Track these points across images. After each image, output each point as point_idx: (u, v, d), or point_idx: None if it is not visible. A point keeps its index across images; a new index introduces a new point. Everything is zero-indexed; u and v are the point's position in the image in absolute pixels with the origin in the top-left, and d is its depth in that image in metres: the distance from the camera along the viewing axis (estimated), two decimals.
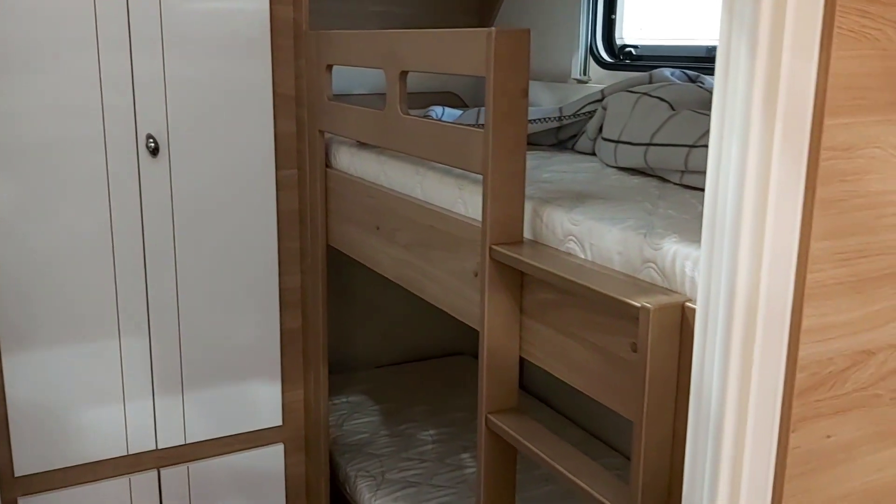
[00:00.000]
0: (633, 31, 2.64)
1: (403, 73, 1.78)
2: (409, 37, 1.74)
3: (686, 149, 1.65)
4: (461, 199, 1.70)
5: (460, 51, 1.54)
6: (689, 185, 1.66)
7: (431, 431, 2.75)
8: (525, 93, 1.46)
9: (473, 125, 1.87)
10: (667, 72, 2.06)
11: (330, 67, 2.17)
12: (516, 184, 1.49)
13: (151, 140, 2.18)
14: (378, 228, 2.00)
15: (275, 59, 2.29)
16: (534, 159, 2.02)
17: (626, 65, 2.59)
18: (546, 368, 1.48)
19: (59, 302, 2.15)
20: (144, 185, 2.20)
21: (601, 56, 2.65)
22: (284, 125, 2.35)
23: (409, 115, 1.78)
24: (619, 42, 2.64)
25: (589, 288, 1.27)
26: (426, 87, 2.89)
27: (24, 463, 2.18)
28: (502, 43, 1.42)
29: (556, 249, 1.47)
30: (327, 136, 2.28)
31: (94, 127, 2.11)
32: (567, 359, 1.41)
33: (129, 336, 2.25)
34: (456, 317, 1.70)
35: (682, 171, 1.67)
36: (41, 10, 2.01)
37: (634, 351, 1.22)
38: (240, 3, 2.22)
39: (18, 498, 2.19)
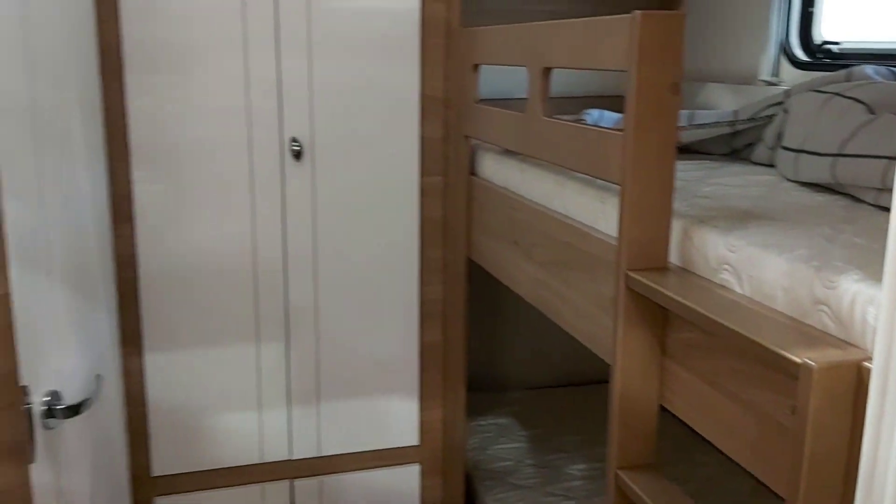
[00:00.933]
0: (835, 25, 2.27)
1: (545, 71, 1.58)
2: (549, 29, 1.54)
3: (885, 161, 1.33)
4: (603, 214, 1.47)
5: (603, 41, 1.32)
6: (887, 206, 1.34)
7: (582, 466, 2.52)
8: (676, 88, 1.22)
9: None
10: (869, 69, 1.71)
11: (477, 67, 2.01)
12: (662, 197, 1.26)
13: (296, 143, 2.13)
14: (516, 243, 1.82)
15: (424, 60, 2.17)
16: (697, 170, 1.75)
17: (825, 64, 2.23)
18: (688, 422, 1.23)
19: (201, 305, 2.15)
20: (287, 189, 2.15)
21: (795, 55, 2.30)
22: (431, 129, 2.22)
23: (550, 117, 1.59)
24: (817, 39, 2.29)
25: (740, 334, 1.01)
26: (593, 90, 2.66)
27: (161, 464, 2.20)
28: (649, 29, 1.19)
29: (707, 280, 1.22)
30: (474, 141, 2.12)
31: (239, 129, 2.09)
32: (713, 414, 1.15)
33: (267, 343, 2.21)
34: (591, 349, 1.48)
35: (879, 190, 1.35)
36: (192, 13, 2.00)
37: (793, 414, 0.95)
38: (390, 2, 2.12)
39: (154, 498, 2.21)
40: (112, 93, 1.99)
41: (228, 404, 2.22)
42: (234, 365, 2.20)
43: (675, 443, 2.46)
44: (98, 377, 1.64)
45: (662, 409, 1.32)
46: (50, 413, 1.43)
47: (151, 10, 1.98)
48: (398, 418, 2.37)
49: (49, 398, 1.43)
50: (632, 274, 1.25)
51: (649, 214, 1.26)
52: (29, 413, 1.36)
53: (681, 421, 1.23)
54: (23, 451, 1.34)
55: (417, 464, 2.42)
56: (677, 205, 1.30)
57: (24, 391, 1.34)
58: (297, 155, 2.14)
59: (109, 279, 2.00)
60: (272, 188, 2.14)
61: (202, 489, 2.24)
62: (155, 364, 2.14)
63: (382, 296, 2.27)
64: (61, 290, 1.59)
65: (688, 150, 1.97)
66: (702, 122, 1.84)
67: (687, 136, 1.87)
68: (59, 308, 1.57)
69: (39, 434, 1.40)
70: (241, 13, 2.03)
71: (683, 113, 1.92)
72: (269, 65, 2.07)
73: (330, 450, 2.33)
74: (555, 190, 1.66)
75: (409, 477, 2.42)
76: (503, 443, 2.67)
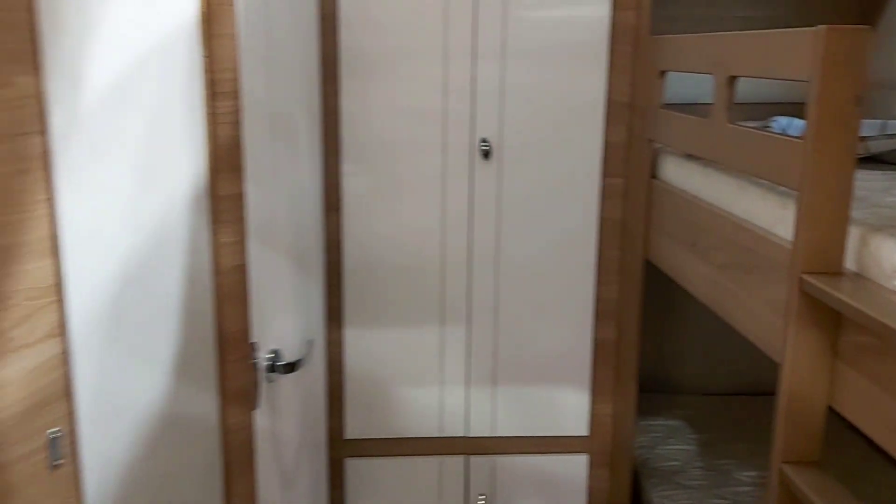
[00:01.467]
0: None
1: (731, 79, 1.64)
2: (736, 39, 1.60)
3: None
4: (783, 220, 1.51)
5: (787, 52, 1.37)
6: None
7: (751, 473, 2.51)
8: (858, 100, 1.25)
9: None
10: None
11: (663, 74, 2.08)
12: (839, 205, 1.29)
13: (485, 143, 2.29)
14: (694, 245, 1.88)
15: (611, 66, 2.27)
16: (884, 180, 1.73)
17: None
18: (859, 427, 1.26)
19: (394, 288, 2.36)
20: (475, 186, 2.32)
21: None
22: (615, 133, 2.31)
23: (734, 123, 1.64)
24: None
25: None
26: (777, 97, 2.63)
27: (353, 428, 2.44)
28: (834, 43, 1.24)
29: (882, 286, 1.24)
30: (656, 145, 2.19)
31: (435, 129, 2.28)
32: (886, 421, 1.18)
33: (450, 326, 2.40)
34: (760, 347, 1.53)
35: None
36: (399, 25, 2.22)
37: None
38: (582, 10, 2.23)
39: (345, 458, 2.46)
40: (329, 96, 2.24)
41: (414, 380, 2.42)
42: (420, 344, 2.40)
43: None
44: (310, 342, 1.89)
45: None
46: (272, 368, 1.67)
47: (364, 22, 2.21)
48: (569, 408, 2.48)
49: (272, 355, 1.67)
50: (806, 277, 1.30)
51: (826, 220, 1.29)
52: (256, 366, 1.60)
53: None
54: (250, 397, 1.58)
55: (586, 454, 2.51)
56: (857, 212, 1.33)
57: (253, 347, 1.58)
58: (486, 154, 2.30)
59: (320, 260, 2.26)
60: (461, 185, 2.32)
61: (386, 455, 2.47)
62: (352, 338, 2.39)
63: (559, 291, 2.39)
64: (285, 265, 1.84)
65: (879, 161, 1.93)
66: (892, 133, 1.81)
67: (876, 147, 1.85)
68: (283, 280, 1.82)
69: (263, 385, 1.64)
70: (442, 24, 2.22)
71: (875, 123, 1.89)
72: (465, 70, 2.25)
73: (503, 431, 2.48)
74: (736, 194, 1.70)
75: (576, 466, 2.52)
76: (672, 444, 2.70)
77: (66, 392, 1.12)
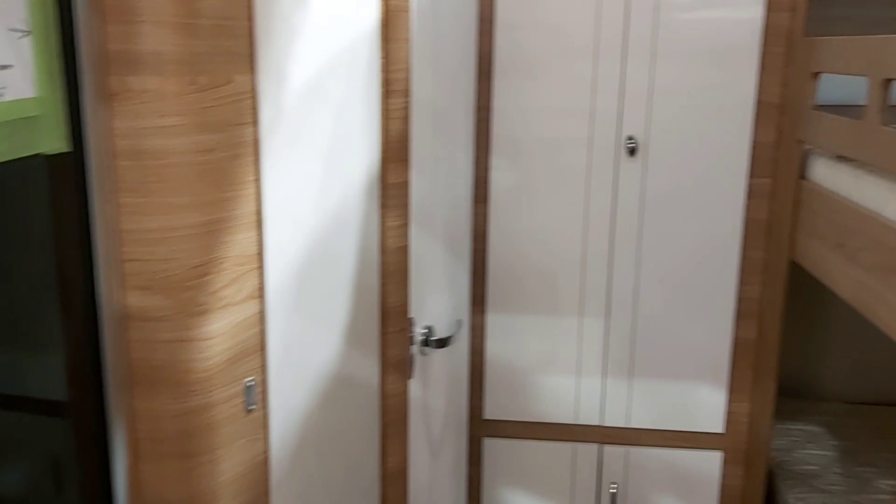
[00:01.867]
0: None
1: (886, 81, 1.64)
2: (892, 41, 1.60)
3: None
4: None
5: None
6: None
7: (893, 482, 2.45)
8: None
9: None
10: None
11: (816, 75, 2.08)
12: None
13: (631, 141, 2.36)
14: (841, 246, 1.88)
15: (762, 67, 2.28)
16: None
17: None
18: None
19: (535, 277, 2.47)
20: (620, 182, 2.39)
21: None
22: (763, 133, 2.32)
23: (888, 126, 1.64)
24: None
25: None
26: None
27: (492, 409, 2.57)
28: None
29: None
30: (806, 146, 2.19)
31: (582, 126, 2.37)
32: None
33: (590, 317, 2.48)
34: None
35: None
36: (552, 25, 2.32)
37: None
38: (734, 12, 2.26)
39: (483, 437, 2.59)
40: (482, 93, 2.37)
41: (551, 367, 2.52)
42: (558, 333, 2.50)
43: None
44: (459, 322, 2.03)
45: None
46: (425, 342, 1.82)
47: (519, 22, 2.33)
48: (705, 405, 2.51)
49: (426, 331, 1.82)
50: None
51: None
52: (412, 339, 1.76)
53: None
54: (406, 367, 1.74)
55: (720, 451, 2.53)
56: None
57: (410, 322, 1.74)
58: (632, 151, 2.37)
59: (467, 248, 2.40)
60: (605, 180, 2.39)
61: (523, 438, 2.58)
62: (494, 323, 2.52)
63: (700, 289, 2.42)
64: (440, 248, 1.99)
65: None
66: None
67: None
68: (438, 262, 1.97)
69: (417, 357, 1.80)
70: (594, 24, 2.30)
71: None
72: (615, 69, 2.32)
73: (638, 423, 2.54)
74: (887, 196, 1.70)
75: (710, 462, 2.55)
76: (810, 449, 2.67)
77: (261, 347, 1.31)
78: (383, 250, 1.62)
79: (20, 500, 1.31)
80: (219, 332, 1.22)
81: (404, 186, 1.63)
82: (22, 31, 0.90)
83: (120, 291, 1.14)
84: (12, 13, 0.87)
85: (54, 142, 0.98)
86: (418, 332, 1.78)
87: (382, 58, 1.52)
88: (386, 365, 1.67)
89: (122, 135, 1.09)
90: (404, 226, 1.66)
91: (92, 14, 1.03)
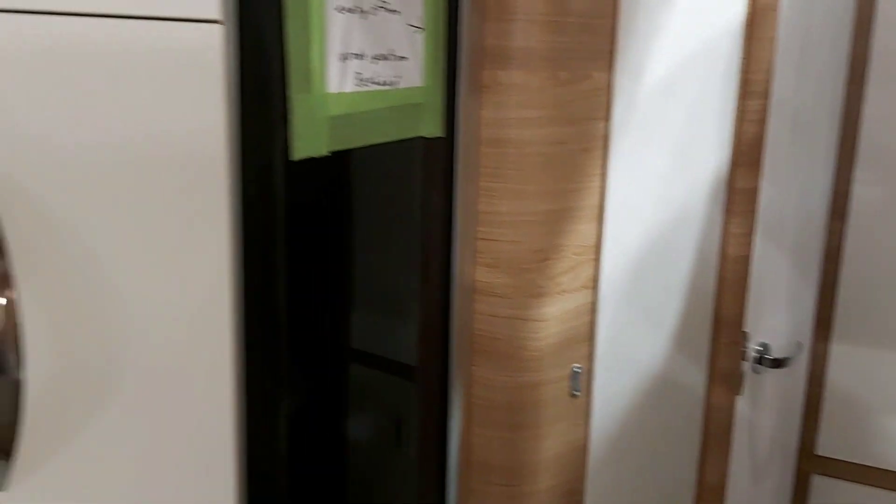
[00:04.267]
0: None
1: None
2: None
3: None
4: None
5: None
6: None
7: None
8: None
9: None
10: None
11: None
12: None
13: None
14: None
15: None
16: None
17: None
18: None
19: None
20: None
21: None
22: None
23: None
24: None
25: None
26: None
27: (826, 445, 2.35)
28: None
29: None
30: None
31: None
32: None
33: None
34: None
35: None
36: None
37: None
38: None
39: (812, 474, 2.38)
40: (852, 99, 2.17)
41: None
42: None
43: None
44: (799, 345, 1.89)
45: None
46: (759, 360, 1.73)
47: None
48: None
49: (761, 348, 1.73)
50: None
51: None
52: (744, 354, 1.68)
53: None
54: (736, 382, 1.67)
55: None
56: None
57: (744, 335, 1.66)
58: None
59: (815, 266, 2.22)
60: None
61: (858, 482, 2.33)
62: (840, 352, 2.30)
63: None
64: (785, 263, 1.87)
65: None
66: None
67: None
68: (781, 277, 1.85)
69: (748, 374, 1.71)
70: None
71: None
72: None
73: None
74: None
75: None
76: None
77: (589, 336, 1.34)
78: (723, 257, 1.57)
79: (368, 445, 1.49)
80: (553, 315, 1.28)
81: (753, 193, 1.57)
82: (417, 27, 1.02)
83: (471, 267, 1.25)
84: (412, 12, 1.00)
85: (432, 127, 1.10)
86: (752, 347, 1.69)
87: (743, 57, 1.47)
88: (714, 376, 1.62)
89: (488, 124, 1.19)
90: (748, 234, 1.59)
91: (474, 12, 1.14)
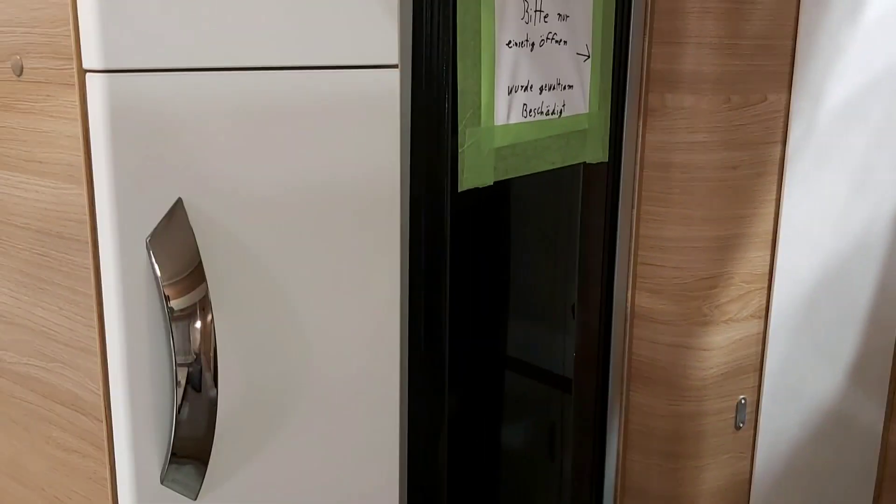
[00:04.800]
0: None
1: None
2: None
3: None
4: None
5: None
6: None
7: None
8: None
9: None
10: None
11: None
12: None
13: None
14: None
15: None
16: None
17: None
18: None
19: None
20: None
21: None
22: None
23: None
24: None
25: None
26: None
27: None
28: None
29: None
30: None
31: None
32: None
33: None
34: None
35: None
36: None
37: None
38: None
39: None
40: None
41: None
42: None
43: None
44: None
45: None
46: None
47: None
48: None
49: None
50: None
51: None
52: None
53: None
54: None
55: None
56: None
57: None
58: None
59: None
60: None
61: None
62: None
63: None
64: None
65: None
66: None
67: None
68: None
69: None
70: None
71: None
72: None
73: None
74: None
75: None
76: None
77: (757, 367, 1.29)
78: None
79: (522, 452, 1.51)
80: (718, 344, 1.24)
81: None
82: (585, 55, 1.02)
83: (632, 291, 1.24)
84: (580, 40, 1.01)
85: (597, 153, 1.10)
86: None
87: None
88: (894, 413, 1.51)
89: (654, 148, 1.18)
90: None
91: (643, 37, 1.13)
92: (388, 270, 0.83)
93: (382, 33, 0.75)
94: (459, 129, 0.86)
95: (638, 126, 1.17)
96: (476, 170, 0.89)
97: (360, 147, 0.77)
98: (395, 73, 0.77)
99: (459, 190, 0.89)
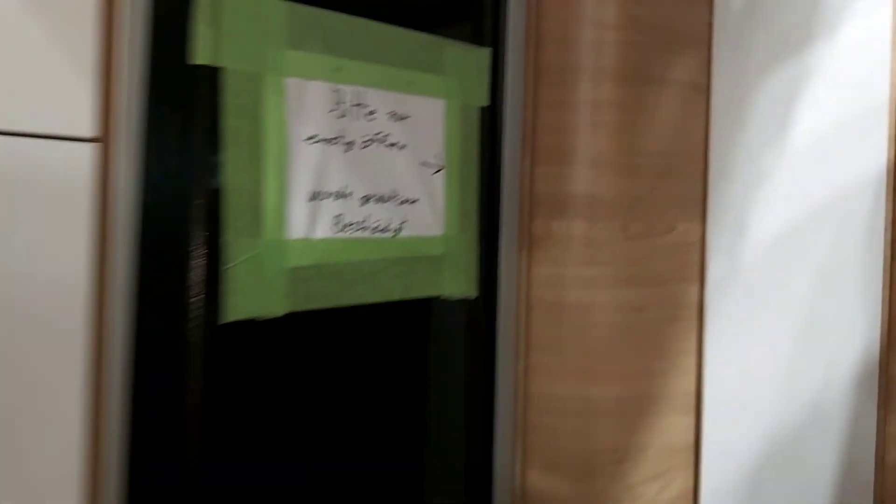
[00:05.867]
0: None
1: None
2: None
3: None
4: None
5: None
6: None
7: None
8: None
9: None
10: None
11: None
12: None
13: None
14: None
15: None
16: None
17: None
18: None
19: None
20: None
21: None
22: None
23: None
24: None
25: None
26: None
27: None
28: None
29: None
30: None
31: None
32: None
33: None
34: None
35: None
36: None
37: None
38: None
39: None
40: None
41: None
42: None
43: None
44: None
45: None
46: None
47: None
48: None
49: None
50: None
51: None
52: None
53: None
54: None
55: None
56: None
57: None
58: None
59: None
60: None
61: None
62: None
63: None
64: None
65: None
66: None
67: None
68: None
69: None
70: None
71: None
72: None
73: None
74: None
75: None
76: None
77: None
78: (882, 467, 1.20)
79: None
80: None
81: None
82: (435, 166, 0.84)
83: (520, 466, 0.98)
84: (425, 148, 0.82)
85: (460, 285, 0.89)
86: None
87: (889, 211, 1.17)
88: None
89: (542, 283, 0.96)
90: None
91: (519, 153, 0.95)
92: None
93: (62, 90, 0.55)
94: (225, 239, 0.66)
95: (520, 257, 0.97)
96: (252, 295, 0.67)
97: (31, 242, 0.56)
98: (90, 148, 0.58)
99: (223, 321, 0.67)
